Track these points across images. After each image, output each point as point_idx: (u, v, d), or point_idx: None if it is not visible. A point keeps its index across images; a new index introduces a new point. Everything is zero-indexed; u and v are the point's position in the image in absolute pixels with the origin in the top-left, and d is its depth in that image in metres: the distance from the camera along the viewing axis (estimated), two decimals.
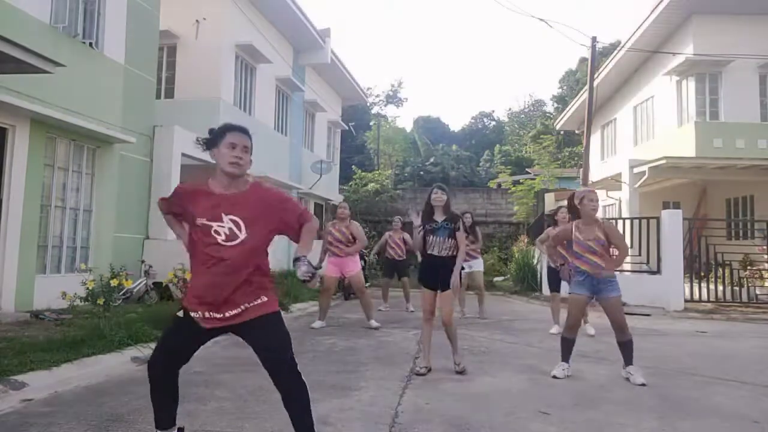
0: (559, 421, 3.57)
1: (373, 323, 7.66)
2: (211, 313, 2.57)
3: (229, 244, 2.55)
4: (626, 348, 4.77)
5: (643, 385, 4.49)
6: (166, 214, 2.85)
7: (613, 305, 4.75)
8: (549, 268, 7.68)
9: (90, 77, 8.75)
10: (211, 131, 2.70)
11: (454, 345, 5.02)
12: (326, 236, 7.81)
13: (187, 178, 11.04)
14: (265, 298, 2.63)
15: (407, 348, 6.18)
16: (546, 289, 12.43)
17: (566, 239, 5.10)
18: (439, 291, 4.95)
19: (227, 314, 2.57)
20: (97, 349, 4.99)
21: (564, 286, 6.92)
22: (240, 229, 2.57)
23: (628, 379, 4.66)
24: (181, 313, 2.66)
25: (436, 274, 4.90)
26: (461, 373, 4.82)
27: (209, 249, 2.56)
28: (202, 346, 2.72)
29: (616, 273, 4.90)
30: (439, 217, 4.94)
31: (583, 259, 4.80)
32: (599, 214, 5.00)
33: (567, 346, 4.89)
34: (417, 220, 4.97)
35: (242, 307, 2.57)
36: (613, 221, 12.42)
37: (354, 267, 7.78)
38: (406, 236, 10.31)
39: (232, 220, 2.58)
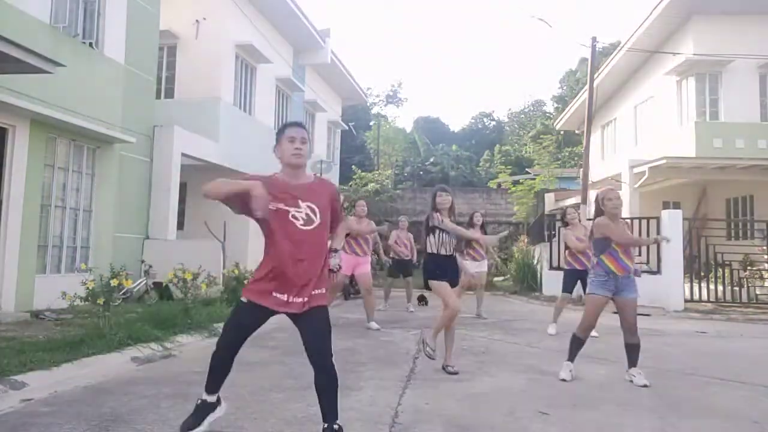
0: (559, 421, 3.57)
1: (373, 325, 7.63)
2: (287, 297, 2.76)
3: (307, 228, 2.78)
4: (633, 350, 4.74)
5: (646, 386, 4.48)
6: (223, 200, 2.83)
7: (629, 306, 4.72)
8: (567, 270, 7.41)
9: (90, 77, 8.75)
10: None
11: (449, 345, 5.04)
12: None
13: (188, 178, 11.06)
14: (324, 290, 2.84)
15: (407, 348, 6.18)
16: (546, 290, 12.49)
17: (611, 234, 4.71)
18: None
19: (300, 300, 2.76)
20: (97, 349, 4.98)
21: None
22: (316, 215, 2.81)
23: (631, 380, 4.64)
24: (245, 299, 2.85)
25: (447, 270, 5.06)
26: (454, 374, 4.84)
27: (290, 233, 2.75)
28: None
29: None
30: (446, 218, 5.08)
31: (618, 260, 4.69)
32: None
33: (577, 346, 4.83)
34: (434, 221, 5.02)
35: (313, 292, 2.77)
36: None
37: (366, 266, 7.88)
38: (410, 236, 10.36)
39: (308, 207, 2.80)
